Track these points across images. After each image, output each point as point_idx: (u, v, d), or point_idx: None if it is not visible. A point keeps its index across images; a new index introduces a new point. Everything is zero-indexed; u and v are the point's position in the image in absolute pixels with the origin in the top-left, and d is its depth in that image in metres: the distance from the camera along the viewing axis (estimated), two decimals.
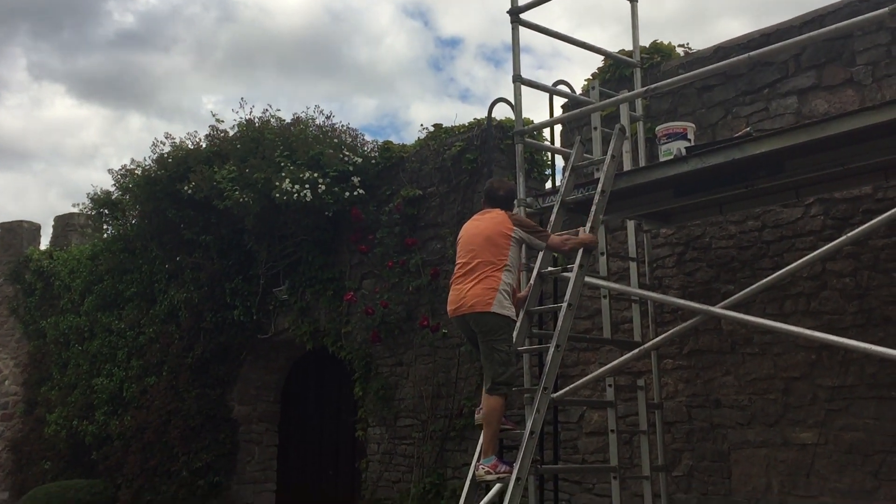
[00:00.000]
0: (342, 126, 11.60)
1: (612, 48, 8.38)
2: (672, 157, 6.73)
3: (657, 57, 8.47)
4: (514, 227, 6.16)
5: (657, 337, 7.23)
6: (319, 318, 11.33)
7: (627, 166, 7.42)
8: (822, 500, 6.89)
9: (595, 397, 8.05)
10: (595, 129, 7.61)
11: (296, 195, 10.51)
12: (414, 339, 10.19)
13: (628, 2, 8.03)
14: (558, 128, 8.78)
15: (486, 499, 6.62)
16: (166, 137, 12.58)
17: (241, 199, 10.90)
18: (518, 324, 6.22)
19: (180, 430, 12.31)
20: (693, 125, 7.29)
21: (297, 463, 12.83)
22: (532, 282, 6.53)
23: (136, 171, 12.65)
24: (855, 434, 6.79)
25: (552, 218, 6.69)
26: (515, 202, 6.96)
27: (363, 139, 11.50)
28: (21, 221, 17.42)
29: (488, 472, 5.90)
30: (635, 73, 8.11)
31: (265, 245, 11.68)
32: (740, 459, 7.40)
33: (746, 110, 7.73)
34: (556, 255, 6.86)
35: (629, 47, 8.20)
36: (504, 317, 5.98)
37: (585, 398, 8.10)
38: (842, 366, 6.90)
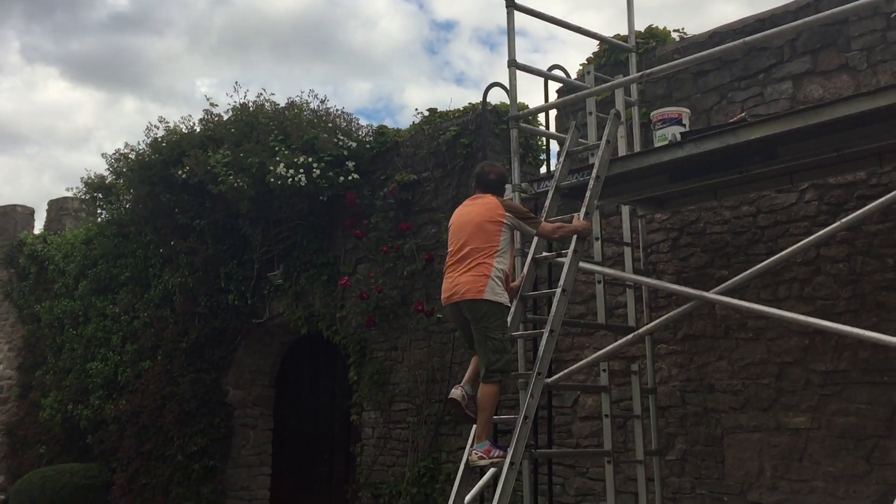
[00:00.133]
0: (337, 110, 11.59)
1: (608, 33, 8.37)
2: (667, 142, 6.73)
3: (652, 42, 8.45)
4: (506, 213, 6.14)
5: (651, 322, 7.24)
6: (314, 302, 11.34)
7: (622, 151, 7.42)
8: (815, 485, 6.92)
9: (589, 382, 8.07)
10: (590, 114, 7.60)
11: (290, 180, 10.49)
12: (408, 323, 10.20)
13: None
14: (553, 112, 8.77)
15: (479, 483, 6.66)
16: (160, 121, 12.60)
17: (236, 184, 10.89)
18: (512, 310, 6.23)
19: (175, 415, 12.32)
20: (688, 110, 7.29)
21: (292, 447, 12.85)
22: (525, 271, 6.53)
23: (130, 156, 12.65)
24: (847, 419, 6.82)
25: (546, 203, 6.68)
26: (510, 187, 6.96)
27: (358, 123, 11.49)
28: (15, 205, 17.40)
29: (481, 458, 5.91)
30: (630, 58, 8.09)
31: (260, 230, 11.67)
32: (733, 444, 7.43)
33: (741, 95, 7.73)
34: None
35: (624, 32, 8.18)
36: (497, 303, 5.97)
37: (580, 383, 8.12)
38: (835, 351, 6.92)
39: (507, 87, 7.23)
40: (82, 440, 13.96)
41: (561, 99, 8.29)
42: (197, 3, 42.55)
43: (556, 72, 7.96)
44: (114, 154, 12.90)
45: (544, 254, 6.63)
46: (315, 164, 10.58)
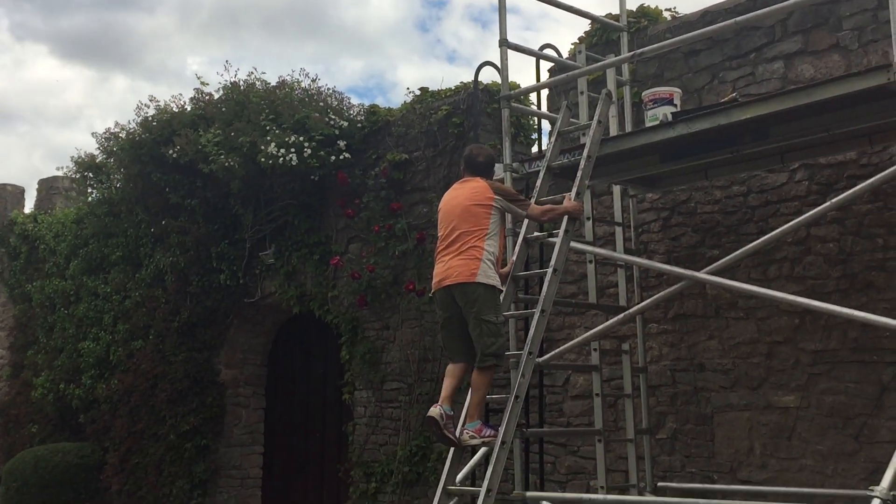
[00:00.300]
0: (328, 89, 11.55)
1: (600, 12, 8.34)
2: (658, 122, 6.73)
3: (644, 21, 8.43)
4: (496, 196, 6.13)
5: (642, 301, 7.27)
6: (306, 282, 11.34)
7: (614, 131, 7.41)
8: (804, 463, 6.98)
9: (580, 361, 8.10)
10: (581, 93, 7.60)
11: (281, 159, 10.46)
12: (400, 303, 10.22)
13: None
14: (545, 92, 8.76)
15: (471, 462, 6.70)
16: (151, 100, 12.55)
17: (227, 163, 10.86)
18: (503, 292, 6.24)
19: (167, 394, 12.34)
20: (679, 91, 7.29)
21: (285, 426, 12.88)
22: (516, 252, 6.52)
23: (121, 135, 12.58)
24: (836, 397, 6.87)
25: (538, 183, 6.69)
26: (502, 167, 6.96)
27: (349, 103, 11.43)
28: (5, 185, 17.35)
29: (472, 437, 5.94)
30: (622, 38, 8.07)
31: (251, 209, 11.65)
32: (723, 422, 7.48)
33: (733, 75, 7.72)
34: None
35: (616, 11, 8.16)
36: (490, 287, 5.97)
37: (571, 362, 8.15)
38: (825, 330, 6.96)
39: (499, 66, 7.21)
40: (74, 420, 13.99)
41: (552, 79, 8.28)
42: None
43: (548, 51, 7.94)
44: (104, 133, 12.86)
45: (535, 234, 6.64)
46: (306, 144, 10.55)
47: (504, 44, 7.05)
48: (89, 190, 14.50)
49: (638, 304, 7.26)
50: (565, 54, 8.37)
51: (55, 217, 15.64)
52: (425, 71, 43.59)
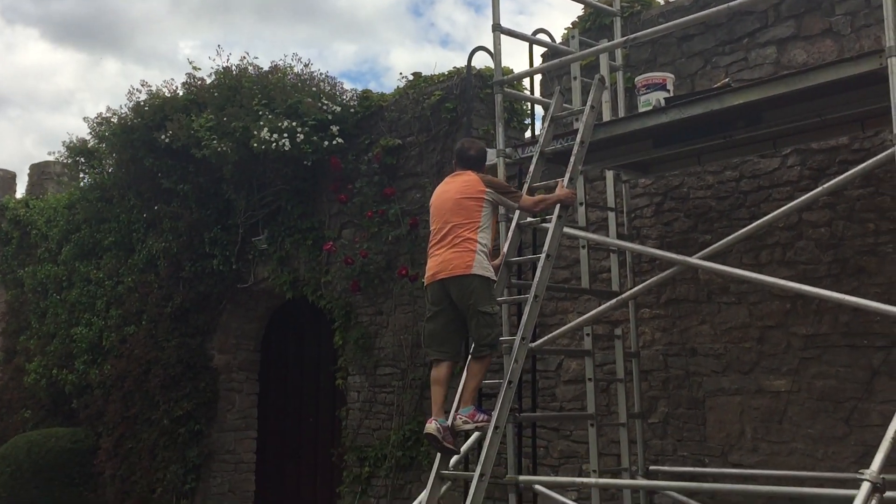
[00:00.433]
0: (321, 74, 11.52)
1: None
2: (651, 107, 6.74)
3: (637, 6, 8.42)
4: (487, 189, 6.13)
5: (635, 286, 7.29)
6: (299, 267, 11.34)
7: (607, 117, 7.42)
8: (794, 446, 7.02)
9: (573, 346, 8.13)
10: (575, 78, 7.59)
11: (274, 144, 10.44)
12: (393, 288, 10.23)
13: None
14: (538, 77, 8.74)
15: (464, 447, 6.71)
16: (142, 85, 12.46)
17: (219, 149, 10.83)
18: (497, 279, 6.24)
19: (160, 379, 12.34)
20: (672, 76, 7.29)
21: (278, 411, 12.90)
22: (507, 243, 6.51)
23: (113, 120, 12.53)
24: (827, 382, 6.91)
25: (531, 168, 6.69)
26: (494, 152, 6.96)
27: (342, 87, 11.41)
28: None
29: (466, 422, 5.95)
30: (615, 22, 8.07)
31: (244, 194, 11.62)
32: (715, 406, 7.52)
33: (726, 60, 7.73)
34: None
35: None
36: (485, 278, 5.97)
37: (563, 347, 8.18)
38: (816, 315, 6.99)
39: (492, 51, 7.20)
40: (67, 405, 13.98)
41: (545, 64, 8.26)
42: None
43: (541, 36, 7.92)
44: (96, 118, 12.80)
45: (528, 220, 6.64)
46: (299, 129, 10.53)
47: (497, 28, 7.04)
48: (81, 175, 14.46)
49: (630, 289, 7.28)
50: (558, 39, 8.36)
51: (47, 202, 15.59)
52: (418, 55, 43.56)
